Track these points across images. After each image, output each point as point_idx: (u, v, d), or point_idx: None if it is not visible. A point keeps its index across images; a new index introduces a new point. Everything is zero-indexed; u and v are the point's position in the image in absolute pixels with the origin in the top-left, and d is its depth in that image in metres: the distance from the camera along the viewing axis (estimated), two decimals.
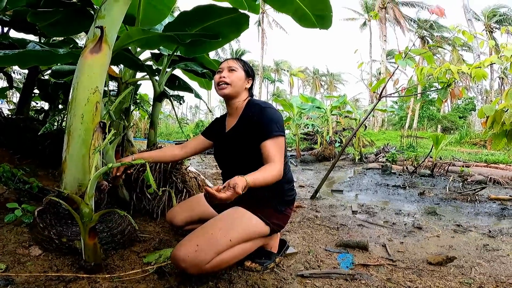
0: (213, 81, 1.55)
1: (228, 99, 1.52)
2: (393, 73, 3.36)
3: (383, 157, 7.11)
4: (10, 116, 3.48)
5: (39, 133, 1.96)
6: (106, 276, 1.29)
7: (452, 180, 4.31)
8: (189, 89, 3.07)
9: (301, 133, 10.18)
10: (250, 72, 1.55)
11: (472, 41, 2.95)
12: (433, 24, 23.88)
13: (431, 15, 2.88)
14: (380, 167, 5.57)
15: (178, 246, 1.26)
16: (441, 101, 3.05)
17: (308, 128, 10.93)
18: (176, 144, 1.96)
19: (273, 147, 1.34)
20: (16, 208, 1.71)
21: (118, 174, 1.47)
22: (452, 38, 2.93)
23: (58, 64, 2.31)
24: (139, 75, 2.62)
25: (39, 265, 1.33)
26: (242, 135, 1.46)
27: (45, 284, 1.20)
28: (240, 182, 1.13)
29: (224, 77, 1.48)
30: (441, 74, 2.84)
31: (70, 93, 1.38)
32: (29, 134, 2.75)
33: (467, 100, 25.05)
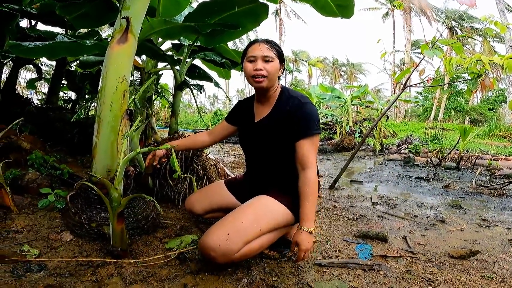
0: (243, 69, 1.41)
1: (263, 91, 1.43)
2: (419, 63, 3.24)
3: (405, 148, 6.92)
4: (40, 105, 3.66)
5: (71, 121, 2.05)
6: (131, 261, 1.34)
7: (479, 174, 4.15)
8: (208, 78, 3.11)
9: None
10: (283, 58, 1.42)
11: (505, 32, 2.80)
12: (463, 15, 22.57)
13: (460, 5, 2.74)
14: (402, 158, 5.43)
15: (207, 234, 1.25)
16: (470, 92, 2.94)
17: (326, 118, 10.78)
18: (195, 133, 2.00)
19: (309, 148, 1.33)
20: (49, 193, 1.75)
21: (154, 163, 1.50)
22: (483, 29, 2.79)
23: (85, 55, 2.40)
24: (160, 65, 2.68)
25: (70, 250, 1.38)
26: (275, 127, 1.41)
27: (76, 269, 1.24)
28: (311, 245, 1.28)
29: (260, 69, 1.34)
30: (472, 65, 2.72)
31: (100, 82, 1.44)
32: (58, 123, 2.89)
33: (497, 92, 23.76)
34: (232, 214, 1.33)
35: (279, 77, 1.47)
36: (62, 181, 2.10)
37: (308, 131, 1.34)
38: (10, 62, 3.20)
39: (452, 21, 23.07)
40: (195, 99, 2.78)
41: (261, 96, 1.49)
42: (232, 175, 2.73)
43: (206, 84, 3.12)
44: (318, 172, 1.55)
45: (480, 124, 19.80)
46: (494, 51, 22.64)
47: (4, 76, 3.47)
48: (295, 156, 1.36)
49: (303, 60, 43.83)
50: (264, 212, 1.34)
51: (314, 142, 1.36)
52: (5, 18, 2.12)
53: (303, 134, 1.34)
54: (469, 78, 2.80)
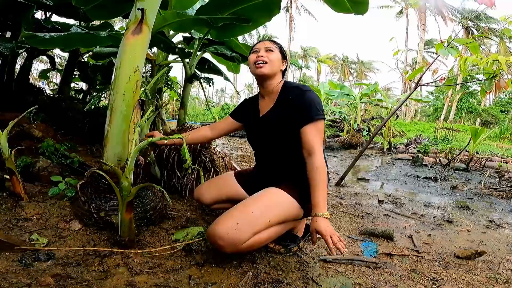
0: (248, 62, 1.52)
1: (264, 79, 1.48)
2: (432, 62, 3.19)
3: (414, 148, 6.84)
4: (52, 95, 3.72)
5: (84, 110, 2.07)
6: (138, 251, 1.35)
7: (488, 176, 4.09)
8: (218, 71, 3.12)
9: (327, 120, 10.02)
10: (285, 55, 1.52)
11: None
12: (481, 15, 22.03)
13: (479, 5, 2.69)
14: (411, 158, 5.37)
15: (216, 222, 1.27)
16: (484, 92, 2.89)
17: (334, 115, 10.72)
18: (202, 125, 2.02)
19: (313, 133, 1.35)
20: (60, 181, 1.75)
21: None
22: (501, 30, 2.75)
23: (98, 47, 2.42)
24: (171, 57, 2.69)
25: (78, 239, 1.39)
26: (279, 118, 1.44)
27: (83, 259, 1.25)
28: (331, 228, 1.25)
29: (262, 56, 1.44)
30: (488, 65, 2.68)
31: (113, 72, 1.46)
32: (70, 112, 2.93)
33: (511, 94, 23.25)
34: (242, 204, 1.34)
35: (283, 75, 1.53)
36: (72, 170, 2.11)
37: (310, 116, 1.35)
38: (24, 53, 3.25)
39: (469, 21, 22.57)
40: (204, 92, 2.79)
41: (264, 90, 1.53)
42: (239, 169, 2.74)
43: (214, 78, 3.14)
44: (326, 165, 1.55)
45: (492, 126, 19.44)
46: (510, 52, 22.11)
47: (17, 67, 3.53)
48: (301, 144, 1.37)
49: (312, 56, 43.46)
50: (274, 204, 1.35)
51: (318, 127, 1.37)
52: (21, 9, 2.15)
53: (306, 120, 1.36)
54: (484, 78, 2.76)
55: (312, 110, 1.36)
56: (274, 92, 1.50)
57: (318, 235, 1.28)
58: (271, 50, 1.46)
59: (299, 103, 1.38)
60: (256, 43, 1.52)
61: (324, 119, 1.41)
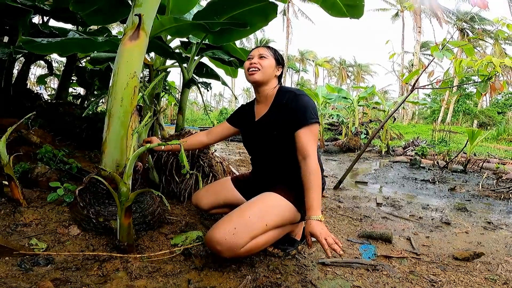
0: (243, 68, 1.55)
1: (257, 85, 1.51)
2: (428, 64, 3.22)
3: (412, 150, 6.88)
4: (50, 101, 3.71)
5: (82, 116, 2.07)
6: (137, 256, 1.35)
7: (485, 177, 4.11)
8: (216, 76, 3.12)
9: (325, 123, 10.06)
10: (280, 60, 1.54)
11: None
12: (475, 17, 22.23)
13: (472, 7, 2.73)
14: (408, 160, 5.40)
15: (214, 228, 1.27)
16: (480, 94, 2.92)
17: (332, 118, 10.77)
18: (201, 130, 2.02)
19: (307, 137, 1.36)
20: (58, 187, 1.76)
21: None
22: (495, 31, 2.78)
23: (96, 52, 2.43)
24: (168, 62, 2.70)
25: (77, 244, 1.40)
26: (274, 122, 1.46)
27: (82, 264, 1.26)
28: (325, 230, 1.25)
29: (254, 63, 1.47)
30: (482, 67, 2.70)
31: (111, 78, 1.46)
32: (68, 118, 2.92)
33: (507, 95, 23.43)
34: (239, 209, 1.34)
35: (279, 80, 1.55)
36: (70, 175, 2.11)
37: (305, 120, 1.37)
38: (22, 58, 3.25)
39: (464, 23, 22.76)
40: (202, 96, 2.80)
41: (259, 95, 1.55)
42: (237, 173, 2.74)
43: (212, 82, 3.14)
44: (322, 169, 1.56)
45: (489, 127, 19.55)
46: (505, 53, 22.30)
47: (15, 72, 3.53)
48: (296, 147, 1.38)
49: (310, 60, 43.65)
50: (271, 208, 1.36)
51: (313, 131, 1.38)
52: (19, 13, 2.16)
53: (300, 123, 1.37)
54: (479, 80, 2.78)
55: (306, 114, 1.37)
56: (269, 97, 1.52)
57: (313, 239, 1.28)
58: (264, 57, 1.48)
59: (293, 107, 1.40)
60: (252, 50, 1.55)
61: (319, 123, 1.42)
